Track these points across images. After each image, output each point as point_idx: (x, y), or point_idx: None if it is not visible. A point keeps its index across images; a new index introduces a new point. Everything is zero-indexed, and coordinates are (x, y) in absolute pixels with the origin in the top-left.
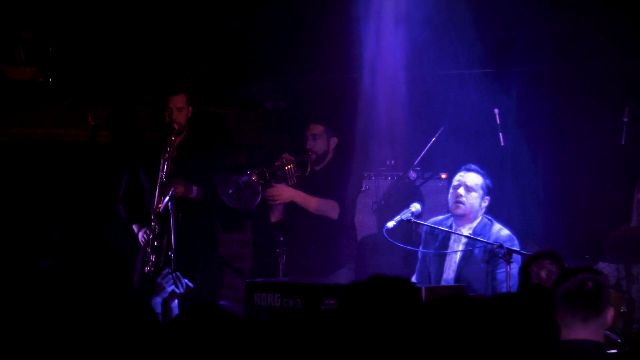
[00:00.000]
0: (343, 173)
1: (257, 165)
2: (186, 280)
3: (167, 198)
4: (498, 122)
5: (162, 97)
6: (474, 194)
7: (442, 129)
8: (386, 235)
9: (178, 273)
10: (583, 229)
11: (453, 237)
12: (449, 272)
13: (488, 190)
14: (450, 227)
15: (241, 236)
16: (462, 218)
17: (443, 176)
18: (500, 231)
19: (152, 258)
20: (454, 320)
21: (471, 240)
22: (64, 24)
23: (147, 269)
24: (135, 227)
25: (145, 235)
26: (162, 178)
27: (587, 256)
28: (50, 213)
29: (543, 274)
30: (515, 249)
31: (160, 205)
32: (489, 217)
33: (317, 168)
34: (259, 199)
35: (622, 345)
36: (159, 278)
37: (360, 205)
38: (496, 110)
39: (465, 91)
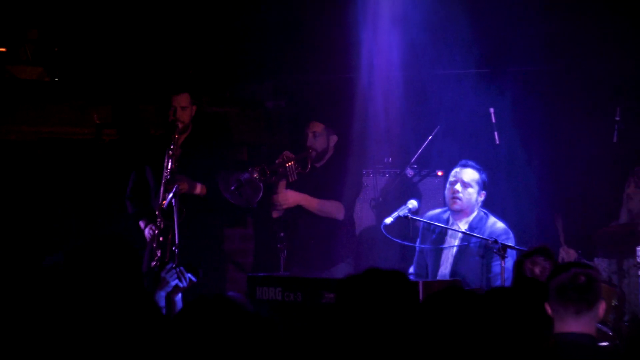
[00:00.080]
0: (344, 171)
1: (258, 162)
2: (189, 275)
3: (170, 194)
4: (493, 120)
5: (166, 96)
6: (470, 190)
7: (438, 127)
8: (384, 232)
9: (181, 268)
10: (576, 225)
11: (449, 231)
12: (446, 265)
13: (484, 185)
14: (447, 220)
15: (243, 231)
16: (459, 213)
17: (439, 173)
18: (495, 224)
19: (158, 253)
20: (450, 313)
21: (467, 235)
22: (69, 25)
23: (152, 263)
24: (142, 224)
25: (151, 231)
26: (166, 175)
27: (579, 251)
28: (57, 210)
29: (537, 270)
30: (510, 243)
31: (164, 202)
32: (485, 211)
33: (318, 165)
34: (260, 195)
35: (614, 338)
36: (163, 272)
37: (358, 201)
38: (491, 109)
39: (461, 91)
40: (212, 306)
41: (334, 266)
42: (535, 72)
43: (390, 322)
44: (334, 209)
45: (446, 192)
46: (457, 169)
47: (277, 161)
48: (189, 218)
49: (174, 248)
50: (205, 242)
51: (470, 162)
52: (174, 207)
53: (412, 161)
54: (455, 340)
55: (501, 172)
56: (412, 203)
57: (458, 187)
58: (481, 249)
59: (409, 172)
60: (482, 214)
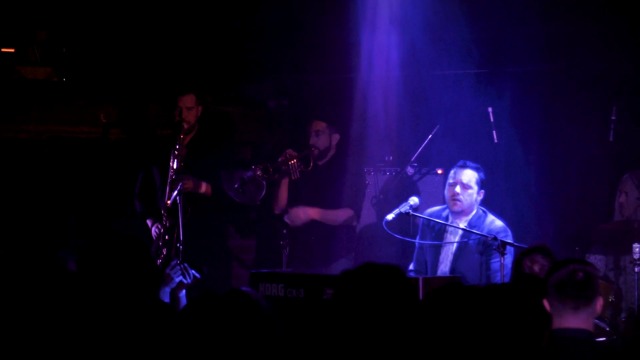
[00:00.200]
0: (346, 170)
1: (261, 160)
2: (193, 271)
3: (175, 192)
4: (492, 120)
5: (172, 96)
6: (470, 191)
7: (438, 126)
8: (385, 228)
9: (186, 264)
10: (573, 222)
11: (449, 228)
12: (446, 262)
13: (482, 184)
14: (447, 217)
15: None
16: (459, 212)
17: (439, 172)
18: (494, 222)
19: (164, 251)
20: (451, 309)
21: (466, 232)
22: (77, 26)
23: (159, 261)
24: (149, 222)
25: (157, 230)
26: (172, 175)
27: (577, 248)
28: (64, 207)
29: (536, 268)
30: (509, 240)
31: (168, 201)
32: (483, 209)
33: (320, 163)
34: (264, 193)
35: (611, 333)
36: (168, 269)
37: None
38: (490, 109)
39: (461, 90)
40: (220, 302)
41: (335, 262)
42: (534, 73)
43: (386, 317)
44: (347, 217)
45: (446, 192)
46: (455, 170)
47: (279, 159)
48: (194, 217)
49: (178, 245)
50: (209, 240)
51: (468, 162)
52: (179, 205)
53: (412, 160)
54: (456, 335)
55: (500, 170)
56: (414, 200)
57: (458, 189)
58: (480, 246)
59: (409, 171)
60: (480, 212)
